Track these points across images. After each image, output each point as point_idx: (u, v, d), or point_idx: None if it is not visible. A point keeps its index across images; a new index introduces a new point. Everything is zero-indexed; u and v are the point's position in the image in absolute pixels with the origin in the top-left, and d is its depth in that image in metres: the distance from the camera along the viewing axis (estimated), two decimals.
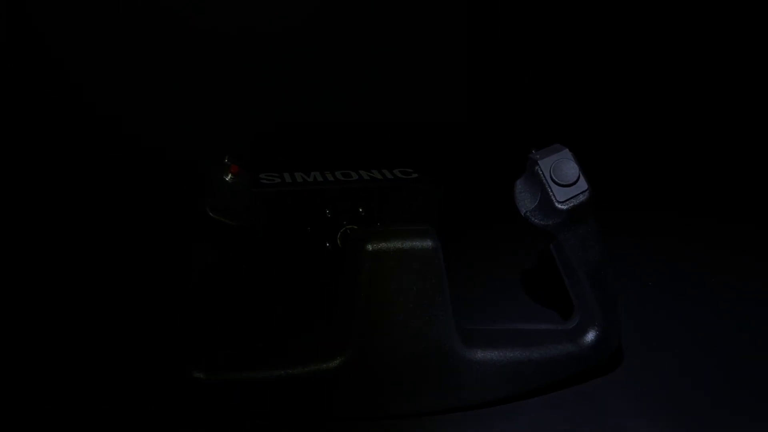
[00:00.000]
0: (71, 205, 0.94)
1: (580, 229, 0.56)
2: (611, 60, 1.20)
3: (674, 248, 0.85)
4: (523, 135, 1.09)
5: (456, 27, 1.16)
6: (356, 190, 0.73)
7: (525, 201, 0.56)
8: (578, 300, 0.58)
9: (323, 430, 0.54)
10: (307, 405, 0.54)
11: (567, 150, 0.55)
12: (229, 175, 0.55)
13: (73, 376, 0.59)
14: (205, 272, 0.54)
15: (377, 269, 0.52)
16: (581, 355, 0.57)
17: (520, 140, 0.64)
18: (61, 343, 0.64)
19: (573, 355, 0.57)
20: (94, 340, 0.64)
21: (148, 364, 0.60)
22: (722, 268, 0.79)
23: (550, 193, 0.54)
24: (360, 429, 0.54)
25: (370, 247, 0.52)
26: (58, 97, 1.03)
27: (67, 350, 0.63)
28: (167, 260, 0.77)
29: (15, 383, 0.59)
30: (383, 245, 0.52)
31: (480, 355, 0.54)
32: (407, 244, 0.52)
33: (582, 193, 0.54)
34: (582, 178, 0.55)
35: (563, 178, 0.54)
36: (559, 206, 0.54)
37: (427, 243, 0.52)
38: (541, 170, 0.55)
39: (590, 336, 0.57)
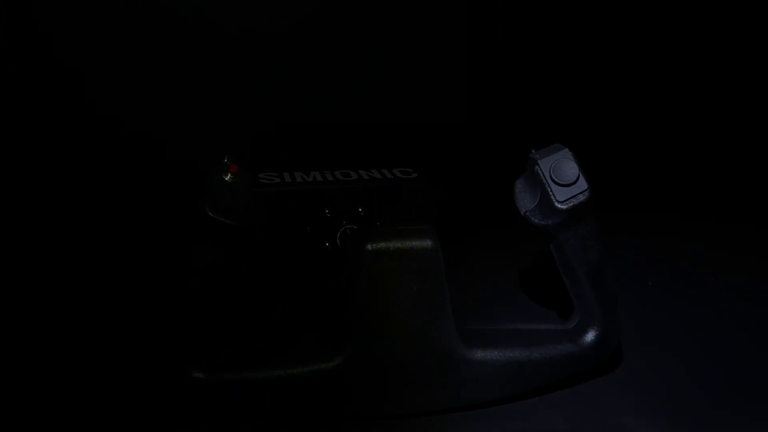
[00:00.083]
0: (71, 205, 0.94)
1: (580, 229, 0.56)
2: (611, 60, 1.20)
3: (674, 248, 0.85)
4: (523, 135, 1.09)
5: (456, 27, 1.16)
6: (356, 190, 0.73)
7: (525, 201, 0.56)
8: (578, 300, 0.58)
9: (323, 430, 0.54)
10: (306, 405, 0.53)
11: (567, 150, 0.55)
12: (229, 175, 0.55)
13: (74, 376, 0.59)
14: (205, 272, 0.54)
15: (377, 269, 0.52)
16: (581, 355, 0.57)
17: (520, 140, 0.64)
18: (62, 343, 0.64)
19: (573, 355, 0.57)
20: (95, 340, 0.64)
21: (148, 364, 0.60)
22: (722, 268, 0.79)
23: (550, 193, 0.54)
24: (360, 429, 0.54)
25: (369, 247, 0.51)
26: (58, 97, 1.03)
27: (68, 350, 0.63)
28: (167, 260, 0.76)
29: (15, 383, 0.59)
30: (383, 245, 0.51)
31: (480, 354, 0.54)
32: (407, 243, 0.52)
33: (582, 192, 0.54)
34: (582, 177, 0.55)
35: (563, 177, 0.54)
36: (559, 206, 0.54)
37: (427, 243, 0.52)
38: (541, 170, 0.55)
39: (590, 336, 0.57)
